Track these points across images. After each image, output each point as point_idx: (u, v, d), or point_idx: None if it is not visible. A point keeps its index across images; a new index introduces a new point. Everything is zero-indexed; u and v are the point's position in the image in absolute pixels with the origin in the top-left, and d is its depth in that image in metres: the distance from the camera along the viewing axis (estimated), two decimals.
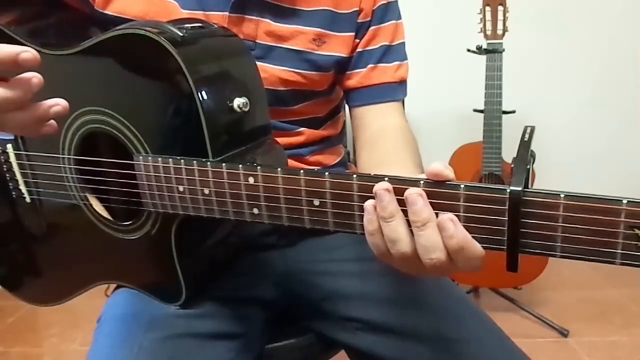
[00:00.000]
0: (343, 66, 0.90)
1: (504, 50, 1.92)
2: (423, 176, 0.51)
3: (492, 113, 1.93)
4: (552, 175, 2.34)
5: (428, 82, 2.32)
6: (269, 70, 0.83)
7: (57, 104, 0.51)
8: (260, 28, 0.82)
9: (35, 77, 0.48)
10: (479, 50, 1.93)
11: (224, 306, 0.80)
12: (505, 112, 1.94)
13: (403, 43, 0.93)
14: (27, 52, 0.46)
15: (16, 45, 0.46)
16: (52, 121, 0.52)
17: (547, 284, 2.25)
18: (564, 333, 1.98)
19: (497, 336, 0.78)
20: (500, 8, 1.93)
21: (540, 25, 2.44)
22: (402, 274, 0.84)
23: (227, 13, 0.80)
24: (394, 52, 0.91)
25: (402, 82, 0.93)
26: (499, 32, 1.93)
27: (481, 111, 1.95)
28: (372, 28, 0.89)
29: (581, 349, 1.91)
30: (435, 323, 0.78)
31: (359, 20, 0.88)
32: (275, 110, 0.85)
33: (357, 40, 0.89)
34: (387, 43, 0.90)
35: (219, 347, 0.75)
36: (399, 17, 0.93)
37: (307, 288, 0.88)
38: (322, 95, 0.91)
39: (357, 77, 0.90)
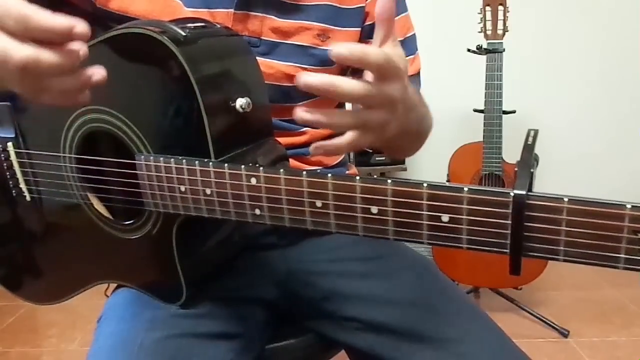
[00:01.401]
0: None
1: (504, 50, 1.92)
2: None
3: (492, 113, 1.94)
4: (552, 175, 2.35)
5: (428, 82, 2.30)
6: (275, 66, 0.83)
7: (99, 73, 0.54)
8: (265, 24, 0.82)
9: (83, 48, 0.52)
10: (479, 50, 1.94)
11: (224, 306, 0.80)
12: (505, 112, 1.95)
13: (414, 35, 0.94)
14: (81, 27, 0.49)
15: (71, 18, 0.49)
16: (87, 92, 0.57)
17: (547, 284, 2.26)
18: (564, 333, 1.99)
19: (497, 336, 0.78)
20: (501, 8, 1.93)
21: (540, 25, 2.45)
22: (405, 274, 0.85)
23: (232, 10, 0.80)
24: (407, 46, 0.91)
25: (418, 74, 0.96)
26: (499, 32, 1.93)
27: (481, 111, 1.96)
28: None
29: (581, 349, 1.91)
30: (435, 323, 0.78)
31: (367, 23, 0.88)
32: (281, 107, 0.85)
33: (371, 41, 0.89)
34: (400, 38, 0.90)
35: (219, 347, 0.75)
36: (406, 9, 0.93)
37: (308, 288, 0.88)
38: None
39: None
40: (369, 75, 0.57)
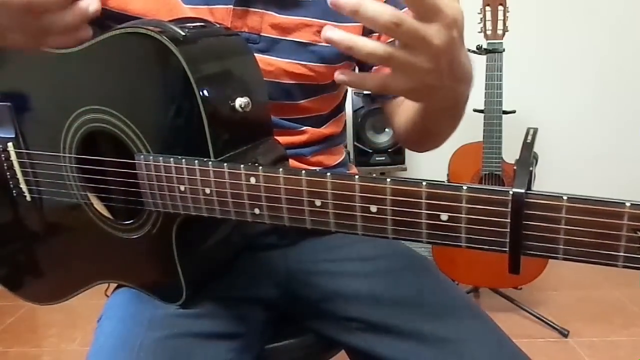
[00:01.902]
0: (351, 59, 0.89)
1: (504, 50, 1.92)
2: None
3: (492, 113, 1.94)
4: (552, 175, 2.34)
5: None
6: (275, 63, 0.83)
7: (93, 2, 0.55)
8: (265, 21, 0.82)
9: None
10: (479, 50, 1.94)
11: (224, 306, 0.80)
12: (505, 112, 1.95)
13: None
14: None
15: None
16: (87, 28, 0.57)
17: (547, 284, 2.26)
18: (564, 333, 1.99)
19: (497, 336, 0.78)
20: (500, 8, 1.93)
21: (540, 25, 2.45)
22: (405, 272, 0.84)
23: (231, 6, 0.80)
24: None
25: None
26: (499, 32, 1.93)
27: (481, 111, 1.96)
28: None
29: (581, 349, 1.91)
30: (435, 323, 0.78)
31: None
32: (281, 105, 0.85)
33: (376, 35, 0.88)
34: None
35: (219, 347, 0.75)
36: None
37: (308, 288, 0.88)
38: (327, 90, 0.91)
39: (386, 72, 0.90)
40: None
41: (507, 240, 0.47)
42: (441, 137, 0.85)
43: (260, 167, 0.58)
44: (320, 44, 0.84)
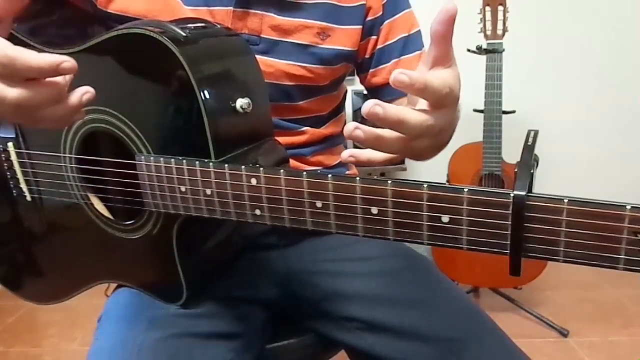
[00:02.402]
0: (349, 60, 0.90)
1: (504, 50, 1.92)
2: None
3: (492, 113, 1.94)
4: (552, 176, 2.34)
5: None
6: (275, 65, 0.83)
7: (87, 91, 0.56)
8: (265, 22, 0.82)
9: (65, 78, 0.54)
10: (479, 50, 1.94)
11: (225, 306, 0.80)
12: (505, 112, 1.95)
13: (419, 31, 0.93)
14: (68, 62, 0.51)
15: (56, 55, 0.50)
16: (82, 111, 0.58)
17: (547, 284, 2.26)
18: (564, 333, 1.99)
19: (497, 336, 0.78)
20: (500, 8, 1.93)
21: (540, 25, 2.45)
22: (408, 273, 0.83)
23: (231, 8, 0.80)
24: (413, 42, 0.91)
25: None
26: (499, 32, 1.93)
27: (481, 111, 1.96)
28: (386, 22, 0.89)
29: (581, 349, 1.91)
30: (436, 323, 0.78)
31: (369, 18, 0.88)
32: (281, 106, 0.85)
33: (375, 38, 0.90)
34: (405, 34, 0.90)
35: (220, 347, 0.75)
36: (409, 5, 0.93)
37: (308, 288, 0.88)
38: (326, 91, 0.92)
39: (383, 73, 0.91)
40: (422, 103, 0.55)
41: (508, 242, 0.47)
42: (426, 158, 0.86)
43: (262, 168, 0.58)
44: (320, 45, 0.85)
